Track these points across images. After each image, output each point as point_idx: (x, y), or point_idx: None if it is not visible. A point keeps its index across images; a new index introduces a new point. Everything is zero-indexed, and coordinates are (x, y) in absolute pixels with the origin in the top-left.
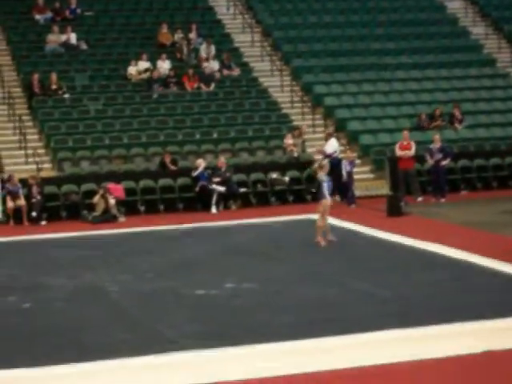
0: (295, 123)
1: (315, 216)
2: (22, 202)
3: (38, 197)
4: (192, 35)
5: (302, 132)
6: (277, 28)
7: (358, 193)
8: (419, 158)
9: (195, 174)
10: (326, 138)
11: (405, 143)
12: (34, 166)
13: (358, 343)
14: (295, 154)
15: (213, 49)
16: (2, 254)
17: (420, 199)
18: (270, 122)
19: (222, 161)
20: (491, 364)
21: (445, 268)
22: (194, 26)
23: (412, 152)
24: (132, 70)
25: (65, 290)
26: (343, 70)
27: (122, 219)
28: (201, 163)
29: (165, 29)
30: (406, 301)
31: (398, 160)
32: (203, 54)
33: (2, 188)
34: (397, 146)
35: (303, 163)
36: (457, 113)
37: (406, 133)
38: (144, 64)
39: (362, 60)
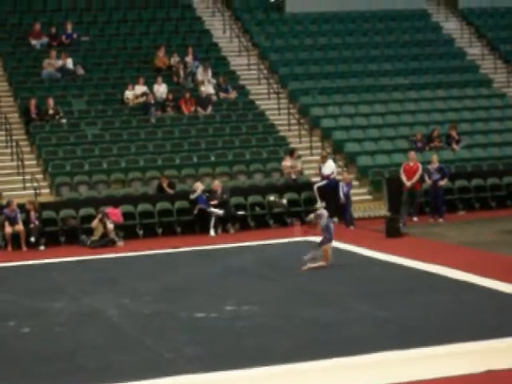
0: (292, 145)
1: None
2: (20, 227)
3: (36, 222)
4: (188, 59)
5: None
6: (273, 51)
7: (356, 214)
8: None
9: (193, 196)
10: (322, 161)
11: (411, 164)
12: (32, 192)
13: (359, 364)
14: (293, 177)
15: (209, 72)
16: (1, 280)
17: (415, 219)
18: (267, 145)
19: (217, 183)
20: None
21: (445, 288)
22: (190, 50)
23: (417, 176)
24: (129, 94)
25: (64, 314)
26: (340, 91)
27: (120, 243)
28: (198, 186)
29: (161, 52)
30: (406, 322)
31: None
32: (200, 77)
33: (0, 214)
34: (402, 168)
35: (301, 185)
36: (453, 133)
37: (412, 153)
38: (141, 88)
39: (359, 82)
